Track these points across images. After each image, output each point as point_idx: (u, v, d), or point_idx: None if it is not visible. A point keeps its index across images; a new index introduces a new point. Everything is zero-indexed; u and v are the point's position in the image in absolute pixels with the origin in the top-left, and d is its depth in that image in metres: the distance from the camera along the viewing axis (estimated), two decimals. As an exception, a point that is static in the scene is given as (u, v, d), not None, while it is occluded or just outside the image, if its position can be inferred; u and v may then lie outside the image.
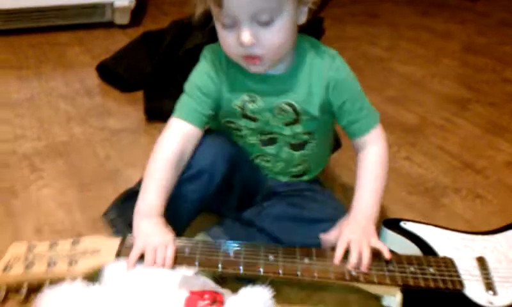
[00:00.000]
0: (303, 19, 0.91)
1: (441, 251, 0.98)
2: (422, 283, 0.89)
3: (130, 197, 1.02)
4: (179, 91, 1.65)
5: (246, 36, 0.85)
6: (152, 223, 0.90)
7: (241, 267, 0.87)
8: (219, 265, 0.87)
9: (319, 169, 1.11)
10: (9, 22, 2.16)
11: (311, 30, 2.28)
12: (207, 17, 0.95)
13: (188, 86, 0.99)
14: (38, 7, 2.17)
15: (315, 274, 0.88)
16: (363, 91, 1.00)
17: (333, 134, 1.14)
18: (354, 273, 0.88)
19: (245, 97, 0.97)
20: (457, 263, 0.94)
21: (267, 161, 1.05)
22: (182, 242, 0.91)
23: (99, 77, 1.82)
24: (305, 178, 1.08)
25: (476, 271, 0.93)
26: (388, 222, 1.04)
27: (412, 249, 0.99)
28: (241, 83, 0.97)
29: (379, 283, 0.89)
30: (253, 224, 1.00)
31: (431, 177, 1.35)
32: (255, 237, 0.98)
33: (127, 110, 1.63)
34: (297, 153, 1.03)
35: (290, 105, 0.96)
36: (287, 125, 0.99)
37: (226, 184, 1.00)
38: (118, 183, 1.25)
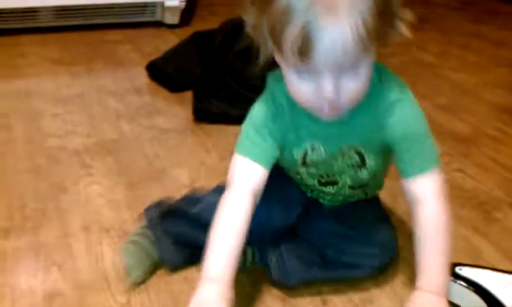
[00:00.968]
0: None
1: (506, 301, 0.89)
2: None
3: (173, 212, 1.02)
4: (227, 92, 1.67)
5: (330, 89, 0.76)
6: (213, 291, 0.79)
7: None
8: None
9: (377, 190, 1.07)
10: (62, 19, 2.20)
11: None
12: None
13: (257, 121, 0.90)
14: (90, 5, 2.20)
15: None
16: (427, 127, 0.90)
17: None
18: None
19: (307, 147, 0.91)
20: None
21: (326, 196, 1.00)
22: None
23: (148, 76, 1.83)
24: (364, 198, 1.04)
25: None
26: None
27: (472, 298, 0.91)
28: (304, 130, 0.89)
29: None
30: (300, 236, 0.98)
31: (484, 190, 1.31)
32: (301, 248, 0.97)
33: (176, 110, 1.64)
34: (357, 191, 0.99)
35: (354, 149, 0.90)
36: (352, 166, 0.92)
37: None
38: (165, 183, 1.26)
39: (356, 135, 0.89)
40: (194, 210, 0.98)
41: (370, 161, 0.92)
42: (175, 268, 0.98)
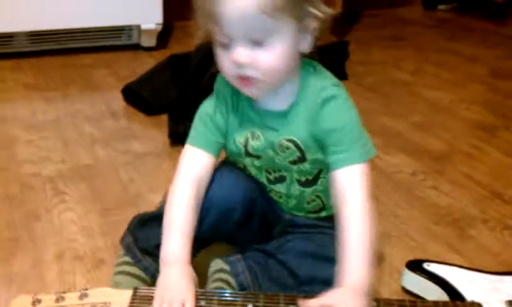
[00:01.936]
0: (305, 47, 0.88)
1: (469, 295, 0.93)
2: None
3: (145, 222, 1.00)
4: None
5: (238, 53, 0.83)
6: (175, 272, 0.86)
7: None
8: None
9: None
10: (37, 44, 2.19)
11: (336, 53, 2.27)
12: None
13: (201, 113, 0.98)
14: (65, 29, 2.20)
15: None
16: (358, 125, 0.92)
17: None
18: None
19: (248, 134, 0.95)
20: None
21: (280, 197, 1.01)
22: (200, 294, 0.86)
23: (124, 99, 1.83)
24: (323, 214, 1.04)
25: None
26: (411, 264, 1.02)
27: (437, 293, 0.96)
28: (247, 118, 0.95)
29: None
30: (273, 256, 0.98)
31: (458, 207, 1.32)
32: (273, 269, 0.97)
33: (152, 134, 1.63)
34: (308, 190, 0.99)
35: (292, 141, 0.93)
36: (293, 163, 0.95)
37: (245, 218, 0.97)
38: (141, 208, 1.24)
39: (293, 128, 0.92)
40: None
41: (309, 155, 0.94)
42: None
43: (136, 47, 2.35)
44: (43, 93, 1.89)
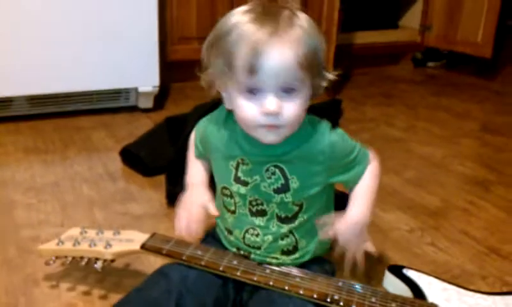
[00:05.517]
0: (308, 103, 0.98)
1: (432, 298, 1.02)
2: None
3: None
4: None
5: (273, 103, 0.91)
6: (198, 190, 1.11)
7: (238, 273, 1.02)
8: (221, 268, 1.03)
9: (312, 245, 1.08)
10: (36, 107, 2.22)
11: (330, 111, 2.31)
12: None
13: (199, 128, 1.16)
14: (64, 93, 2.23)
15: (301, 292, 0.97)
16: (352, 142, 1.05)
17: (330, 205, 1.11)
18: (336, 297, 0.96)
19: (239, 160, 1.03)
20: None
21: (257, 235, 1.05)
22: (200, 247, 1.08)
23: (122, 161, 1.85)
24: (297, 255, 1.06)
25: None
26: (392, 268, 1.14)
27: (408, 295, 1.04)
28: (239, 146, 1.03)
29: None
30: None
31: (456, 264, 1.33)
32: None
33: (149, 195, 1.65)
34: (285, 227, 1.04)
35: (278, 167, 1.00)
36: (277, 191, 1.01)
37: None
38: (139, 270, 1.25)
39: (280, 154, 1.00)
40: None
41: (293, 184, 1.01)
42: None
43: (134, 109, 2.38)
44: (42, 155, 1.91)
